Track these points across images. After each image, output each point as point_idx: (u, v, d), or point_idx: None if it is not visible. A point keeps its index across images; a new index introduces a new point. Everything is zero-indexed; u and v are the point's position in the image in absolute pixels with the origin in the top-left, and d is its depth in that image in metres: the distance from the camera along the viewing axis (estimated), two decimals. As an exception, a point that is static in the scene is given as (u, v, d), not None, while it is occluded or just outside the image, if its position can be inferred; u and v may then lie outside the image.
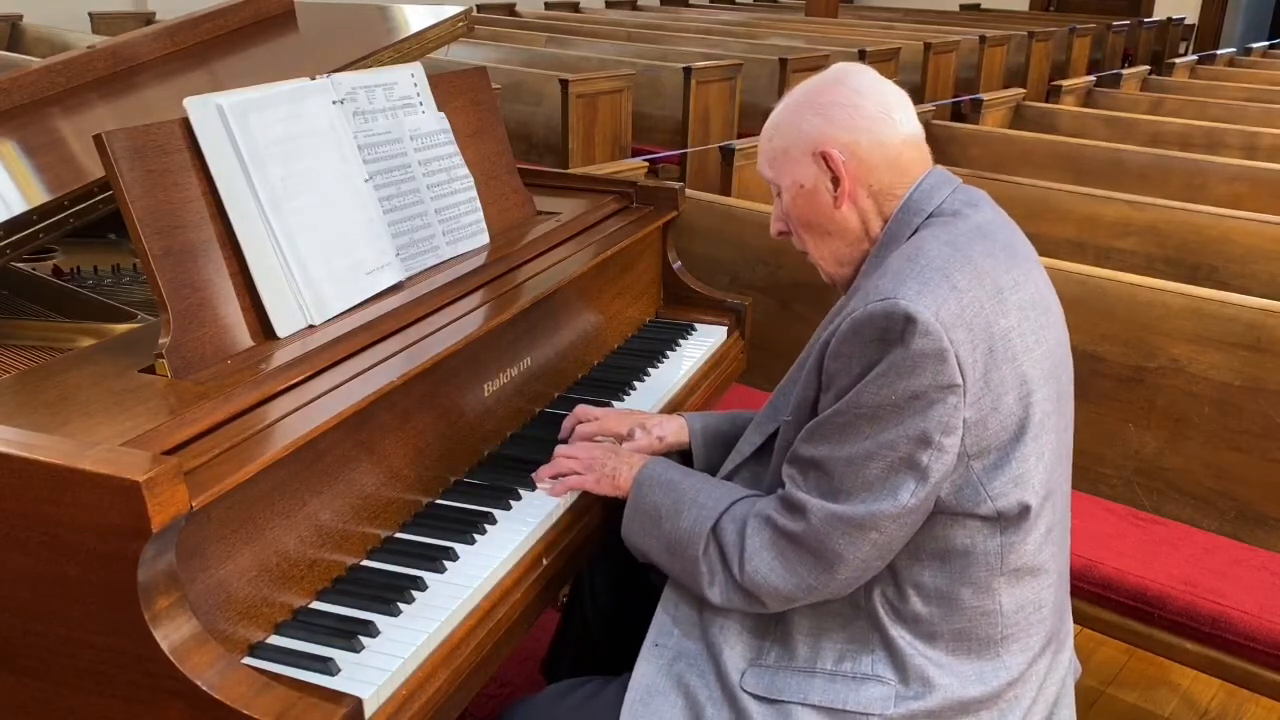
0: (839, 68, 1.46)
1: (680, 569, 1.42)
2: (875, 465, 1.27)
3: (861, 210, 1.40)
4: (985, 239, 1.35)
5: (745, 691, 1.35)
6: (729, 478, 1.52)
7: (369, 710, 1.17)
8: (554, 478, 1.59)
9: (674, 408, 1.96)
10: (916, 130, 1.43)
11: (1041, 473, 1.31)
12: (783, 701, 1.33)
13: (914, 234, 1.37)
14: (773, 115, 1.47)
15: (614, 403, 1.89)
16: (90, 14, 7.09)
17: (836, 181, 1.39)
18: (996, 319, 1.27)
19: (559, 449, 1.63)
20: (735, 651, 1.39)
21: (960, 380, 1.23)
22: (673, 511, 1.43)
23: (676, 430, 1.71)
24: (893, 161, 1.39)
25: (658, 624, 1.45)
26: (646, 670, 1.41)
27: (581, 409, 1.74)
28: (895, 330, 1.23)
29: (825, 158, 1.38)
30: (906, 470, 1.25)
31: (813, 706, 1.32)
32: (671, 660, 1.41)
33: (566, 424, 1.73)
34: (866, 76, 1.42)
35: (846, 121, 1.38)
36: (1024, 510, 1.29)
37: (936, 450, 1.24)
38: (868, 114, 1.38)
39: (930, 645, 1.33)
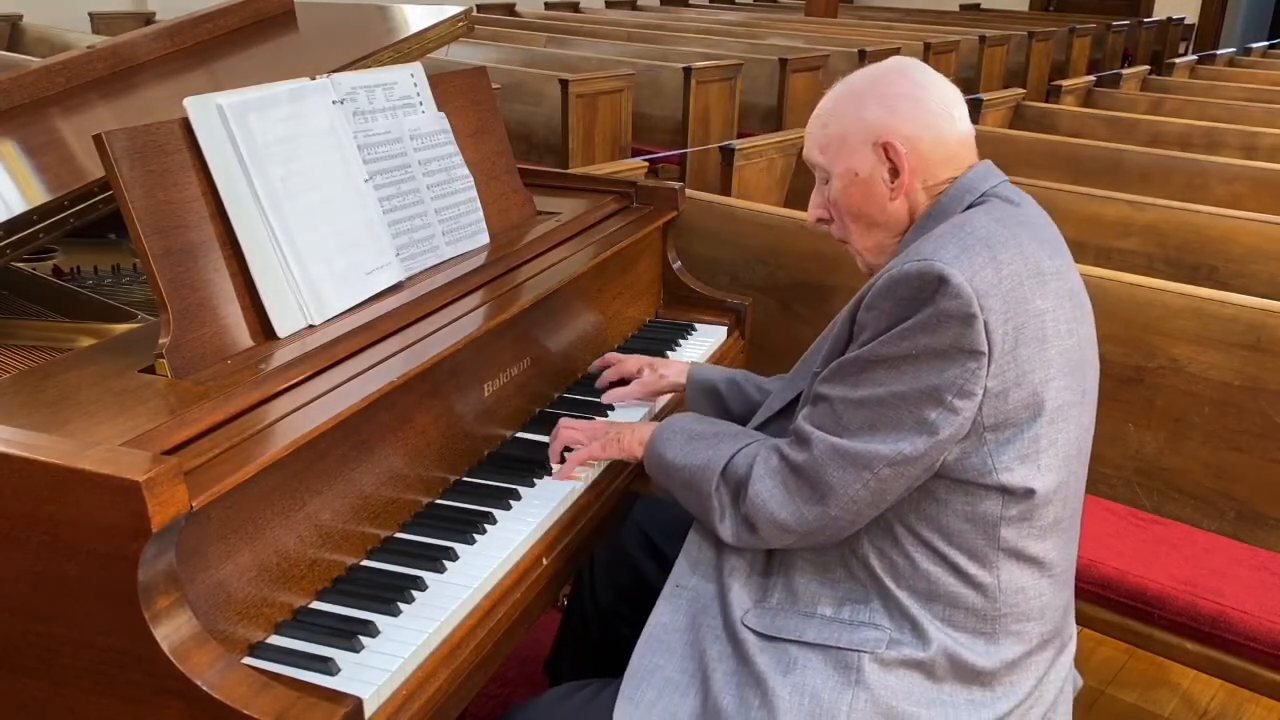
0: (898, 60, 1.46)
1: (696, 505, 1.46)
2: (883, 412, 1.28)
3: (913, 204, 1.42)
4: (1032, 228, 1.36)
5: (746, 627, 1.38)
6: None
7: (369, 710, 1.17)
8: (562, 457, 1.67)
9: (674, 408, 1.96)
10: (970, 129, 1.45)
11: (1053, 460, 1.32)
12: (780, 639, 1.36)
13: (967, 209, 1.38)
14: (826, 102, 1.47)
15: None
16: (90, 14, 7.08)
17: (895, 173, 1.40)
18: (1033, 298, 1.28)
19: (561, 421, 1.70)
20: (742, 592, 1.41)
21: (985, 348, 1.24)
22: (688, 453, 1.47)
23: (677, 371, 1.87)
24: (949, 159, 1.41)
25: (679, 567, 1.48)
26: (665, 609, 1.45)
27: (609, 356, 1.97)
28: (928, 290, 1.24)
29: (887, 148, 1.39)
30: (913, 423, 1.27)
31: (808, 644, 1.35)
32: (689, 601, 1.44)
33: (596, 365, 1.98)
34: (928, 72, 1.43)
35: (910, 114, 1.39)
36: (1028, 492, 1.30)
37: (947, 410, 1.25)
38: (930, 109, 1.39)
39: (927, 605, 1.34)
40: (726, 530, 1.41)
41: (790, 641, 1.36)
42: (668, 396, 1.94)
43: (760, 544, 1.40)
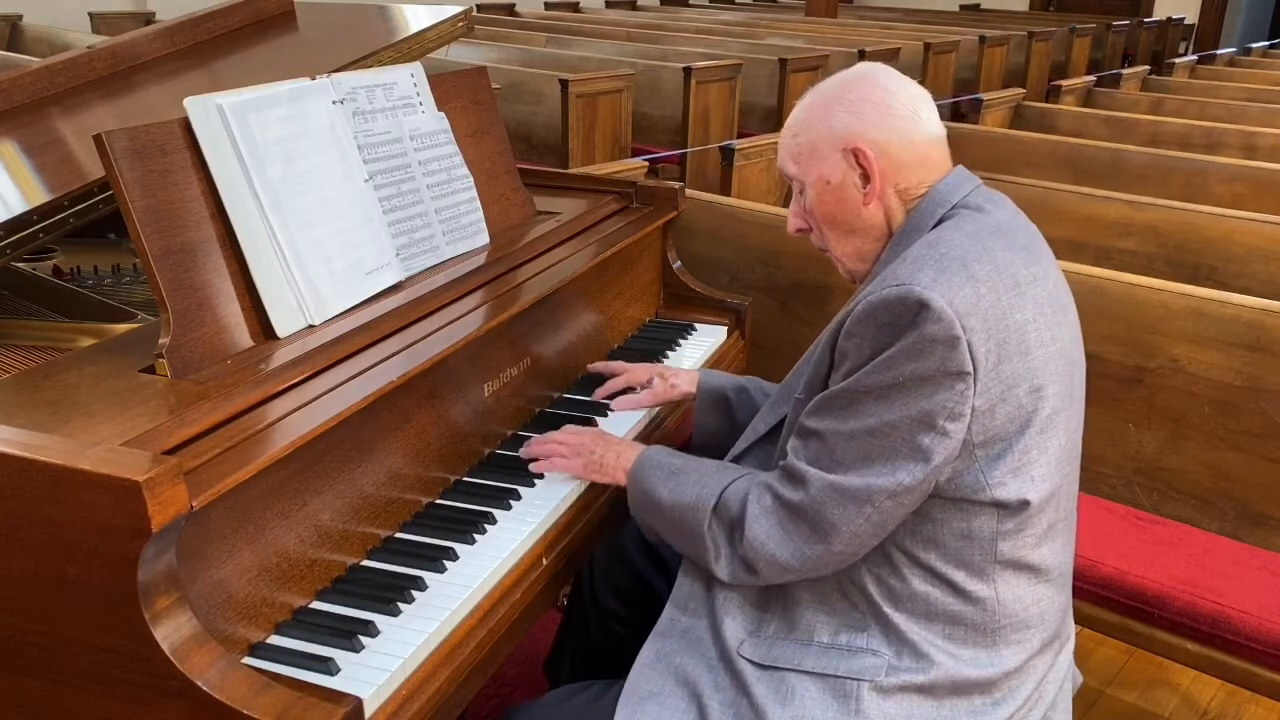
0: (864, 66, 1.46)
1: (688, 546, 1.44)
2: (876, 443, 1.28)
3: (887, 208, 1.41)
4: (1006, 235, 1.35)
5: (742, 657, 1.37)
6: (741, 456, 1.54)
7: (369, 710, 1.17)
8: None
9: (674, 408, 1.96)
10: (940, 130, 1.44)
11: (1045, 468, 1.31)
12: (778, 668, 1.35)
13: (937, 224, 1.37)
14: (795, 112, 1.47)
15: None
16: (90, 14, 7.08)
17: (866, 179, 1.40)
18: (1012, 311, 1.28)
19: (550, 433, 1.67)
20: (736, 622, 1.41)
21: (970, 368, 1.24)
22: (675, 491, 1.45)
23: (688, 381, 1.85)
24: (920, 160, 1.40)
25: (673, 600, 1.47)
26: (657, 640, 1.44)
27: (614, 364, 1.94)
28: (908, 316, 1.24)
29: (857, 154, 1.39)
30: (907, 450, 1.26)
31: (806, 673, 1.34)
32: (682, 634, 1.44)
33: (601, 369, 1.95)
34: (893, 75, 1.43)
35: (877, 119, 1.38)
36: (1023, 503, 1.30)
37: (939, 434, 1.25)
38: (897, 112, 1.39)
39: (927, 626, 1.33)
40: (723, 570, 1.39)
41: (788, 670, 1.35)
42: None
43: (759, 583, 1.39)
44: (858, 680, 1.32)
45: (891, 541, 1.33)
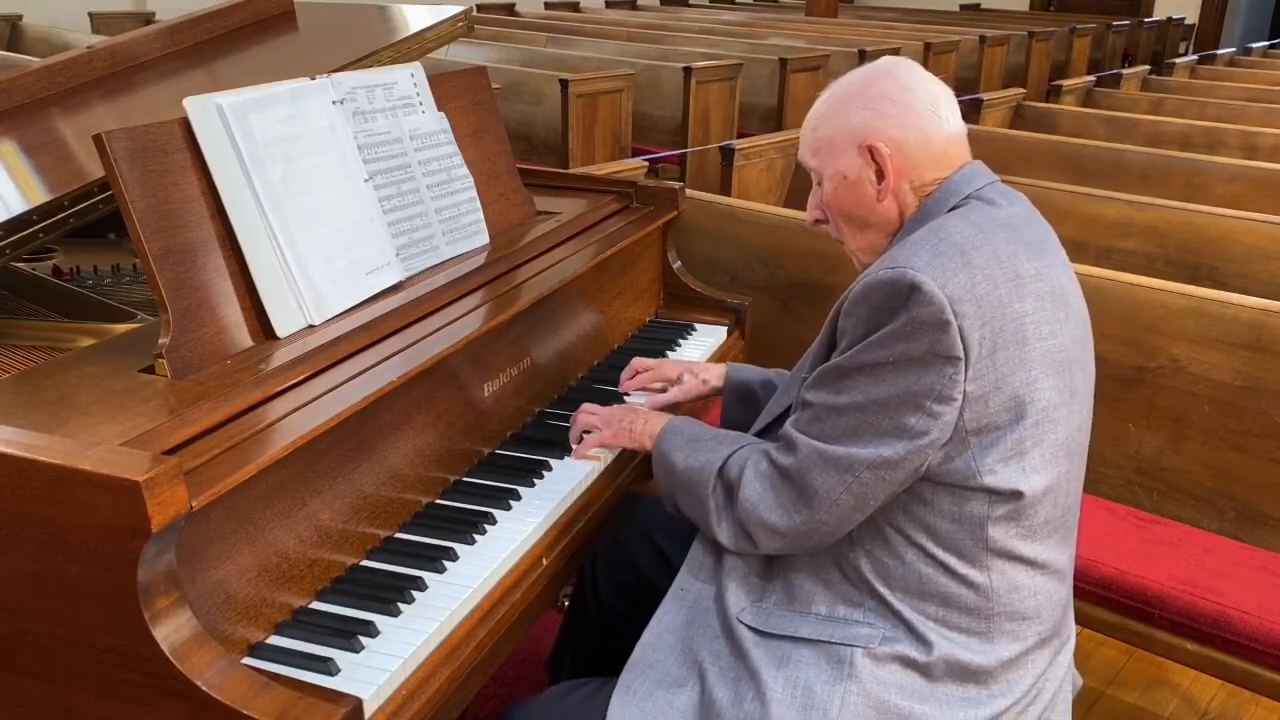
0: (887, 61, 1.47)
1: (696, 510, 1.47)
2: (864, 419, 1.30)
3: (902, 204, 1.43)
4: (1012, 229, 1.36)
5: (742, 624, 1.39)
6: (758, 437, 1.55)
7: (369, 710, 1.17)
8: (578, 446, 1.71)
9: (680, 403, 1.96)
10: (960, 127, 1.45)
11: (1039, 461, 1.32)
12: (774, 635, 1.38)
13: (947, 213, 1.38)
14: (817, 105, 1.48)
15: (614, 403, 1.89)
16: (90, 14, 7.08)
17: (881, 175, 1.41)
18: (1011, 301, 1.29)
19: (582, 407, 1.73)
20: (738, 591, 1.43)
21: (961, 353, 1.25)
22: (689, 456, 1.49)
23: (718, 376, 1.87)
24: (937, 158, 1.41)
25: (683, 572, 1.50)
26: (668, 610, 1.47)
27: (638, 360, 1.94)
28: (900, 298, 1.26)
29: (871, 151, 1.40)
30: (892, 428, 1.28)
31: (802, 640, 1.36)
32: (691, 604, 1.46)
33: (626, 373, 1.93)
34: (915, 72, 1.44)
35: (895, 116, 1.39)
36: (1015, 493, 1.31)
37: (926, 415, 1.26)
38: (916, 110, 1.40)
39: (921, 606, 1.34)
40: (724, 533, 1.43)
41: (784, 638, 1.37)
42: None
43: (755, 549, 1.41)
44: (851, 646, 1.33)
45: (885, 520, 1.34)
